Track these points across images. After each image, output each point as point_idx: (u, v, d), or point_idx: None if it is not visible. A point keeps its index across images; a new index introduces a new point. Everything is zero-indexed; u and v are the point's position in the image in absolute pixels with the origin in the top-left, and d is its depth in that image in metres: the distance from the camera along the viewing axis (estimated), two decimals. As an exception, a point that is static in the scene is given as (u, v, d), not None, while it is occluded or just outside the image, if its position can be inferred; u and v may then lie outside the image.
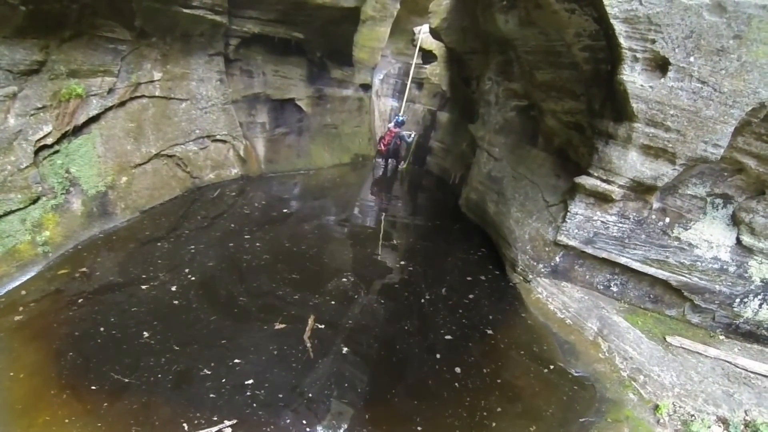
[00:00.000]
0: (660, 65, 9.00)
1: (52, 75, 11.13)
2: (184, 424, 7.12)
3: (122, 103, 13.69)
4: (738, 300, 10.05)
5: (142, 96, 14.46)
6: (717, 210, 10.16)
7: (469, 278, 13.25)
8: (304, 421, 7.51)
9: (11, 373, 7.55)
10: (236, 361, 8.59)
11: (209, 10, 14.93)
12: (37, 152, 10.93)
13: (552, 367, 9.70)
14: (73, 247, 11.41)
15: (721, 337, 10.21)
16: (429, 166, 25.80)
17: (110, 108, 13.21)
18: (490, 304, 11.94)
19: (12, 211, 10.17)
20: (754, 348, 9.89)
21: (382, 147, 23.38)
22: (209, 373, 8.22)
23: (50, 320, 8.94)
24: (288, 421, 7.50)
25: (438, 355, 9.58)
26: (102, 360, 8.15)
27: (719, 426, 7.92)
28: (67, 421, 6.90)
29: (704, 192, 10.12)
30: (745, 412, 8.12)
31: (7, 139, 10.23)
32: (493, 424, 8.02)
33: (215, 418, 7.28)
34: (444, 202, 20.30)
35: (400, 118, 23.84)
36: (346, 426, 7.57)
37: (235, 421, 7.28)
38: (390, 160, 24.32)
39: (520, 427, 8.06)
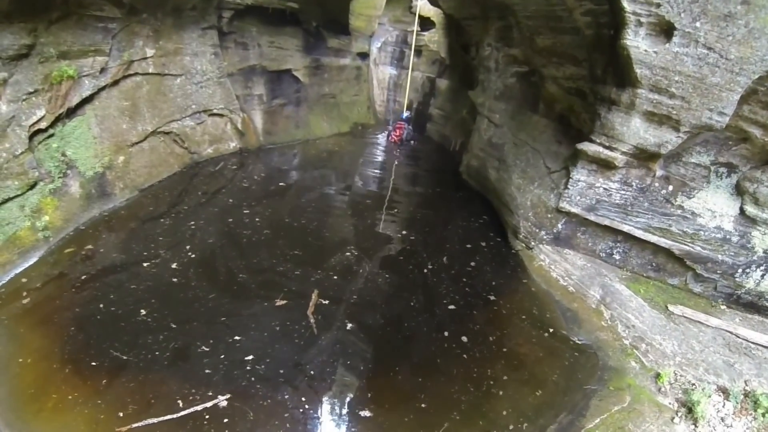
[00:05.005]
0: (665, 30, 8.75)
1: (42, 58, 10.90)
2: (179, 401, 7.27)
3: (115, 82, 13.49)
4: (740, 270, 10.01)
5: (136, 74, 14.24)
6: (721, 179, 10.02)
7: (470, 246, 13.29)
8: (303, 398, 7.62)
9: (20, 359, 7.68)
10: (236, 337, 8.69)
11: (200, -18, 14.54)
12: (31, 137, 10.83)
13: (555, 334, 9.82)
14: (73, 230, 11.42)
15: (723, 307, 10.24)
16: (429, 133, 25.61)
17: (103, 88, 13.02)
18: (492, 272, 12.02)
19: (10, 198, 10.14)
20: (755, 318, 9.92)
21: (395, 138, 23.66)
22: (207, 349, 8.33)
23: (55, 304, 9.04)
24: (286, 396, 7.62)
25: (443, 327, 9.66)
26: (103, 339, 8.25)
27: (719, 395, 8.00)
28: (72, 400, 7.06)
29: (708, 160, 9.97)
30: (745, 382, 8.20)
31: (1, 126, 10.11)
32: (500, 393, 8.19)
33: (210, 393, 7.42)
34: (445, 169, 20.20)
35: (405, 115, 24.80)
36: (347, 403, 7.68)
37: (228, 396, 7.41)
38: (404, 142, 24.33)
39: (526, 394, 8.23)
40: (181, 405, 7.18)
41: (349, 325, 9.39)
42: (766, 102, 8.67)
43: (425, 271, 11.72)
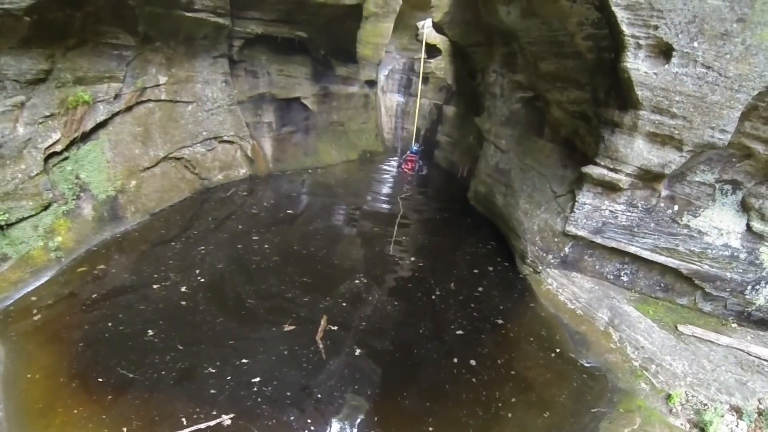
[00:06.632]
0: (663, 51, 8.91)
1: (58, 83, 11.31)
2: (183, 419, 7.26)
3: (129, 108, 13.87)
4: (750, 287, 9.95)
5: (149, 100, 14.64)
6: (726, 196, 10.04)
7: (478, 271, 13.24)
8: (309, 420, 7.57)
9: (28, 375, 7.77)
10: (243, 360, 8.68)
11: (211, 13, 15.05)
12: (46, 159, 11.13)
13: (564, 357, 9.71)
14: (85, 251, 11.59)
15: (734, 325, 10.12)
16: (437, 160, 25.79)
17: (117, 113, 13.40)
18: (500, 296, 11.95)
19: (24, 219, 10.38)
20: (767, 336, 9.77)
21: (407, 170, 24.01)
22: (213, 371, 8.33)
23: (64, 322, 9.14)
24: (292, 418, 7.57)
25: (451, 353, 9.58)
26: (110, 357, 8.32)
27: (732, 415, 7.86)
28: (77, 415, 7.11)
29: (713, 178, 10.00)
30: (759, 400, 8.06)
31: (17, 148, 10.42)
32: (509, 415, 8.09)
33: (215, 413, 7.42)
34: (452, 195, 20.27)
35: (415, 148, 25.20)
36: (354, 426, 7.61)
37: (233, 415, 7.39)
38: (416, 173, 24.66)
39: (534, 416, 8.12)
40: (185, 422, 7.18)
41: (357, 351, 9.34)
42: (767, 117, 8.74)
43: (433, 297, 11.67)
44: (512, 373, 9.17)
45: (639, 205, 10.72)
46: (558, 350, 9.89)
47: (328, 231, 15.26)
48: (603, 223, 11.11)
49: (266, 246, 13.41)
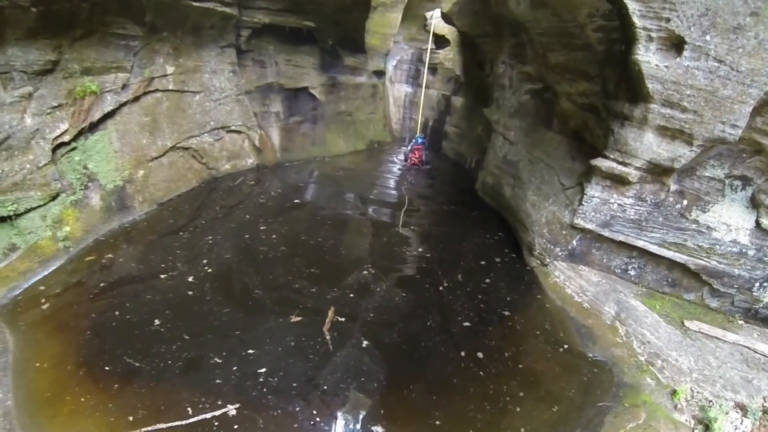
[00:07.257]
0: (675, 44, 8.76)
1: (66, 74, 11.35)
2: (189, 408, 7.34)
3: (136, 98, 13.89)
4: (758, 284, 9.84)
5: (156, 90, 14.65)
6: (736, 192, 9.90)
7: (485, 263, 13.20)
8: (315, 411, 7.61)
9: (37, 364, 7.88)
10: (249, 351, 8.73)
11: (219, 2, 14.99)
12: (54, 150, 11.21)
13: (570, 351, 9.69)
14: (93, 241, 11.70)
15: (740, 322, 10.03)
16: (444, 151, 25.62)
17: (125, 103, 13.44)
18: (507, 288, 11.93)
19: (32, 209, 10.49)
20: (773, 333, 9.71)
21: (415, 161, 23.53)
22: (219, 361, 8.40)
23: (72, 311, 9.26)
24: (297, 408, 7.62)
25: (459, 346, 9.58)
26: (117, 346, 8.43)
27: (737, 412, 7.83)
28: (84, 403, 7.23)
29: (722, 174, 9.87)
30: (764, 398, 8.02)
31: (25, 139, 10.49)
32: (517, 409, 8.09)
33: (220, 402, 7.49)
34: (460, 187, 20.15)
35: (421, 139, 24.56)
36: (359, 418, 7.65)
37: (238, 405, 7.45)
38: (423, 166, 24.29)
39: (542, 410, 8.11)
40: (190, 412, 7.26)
41: (364, 343, 9.34)
42: (779, 113, 8.60)
43: (441, 288, 11.65)
44: (519, 366, 9.17)
45: (648, 199, 10.62)
46: (564, 344, 9.87)
47: (335, 221, 15.24)
48: (611, 217, 11.03)
49: (273, 236, 13.44)
